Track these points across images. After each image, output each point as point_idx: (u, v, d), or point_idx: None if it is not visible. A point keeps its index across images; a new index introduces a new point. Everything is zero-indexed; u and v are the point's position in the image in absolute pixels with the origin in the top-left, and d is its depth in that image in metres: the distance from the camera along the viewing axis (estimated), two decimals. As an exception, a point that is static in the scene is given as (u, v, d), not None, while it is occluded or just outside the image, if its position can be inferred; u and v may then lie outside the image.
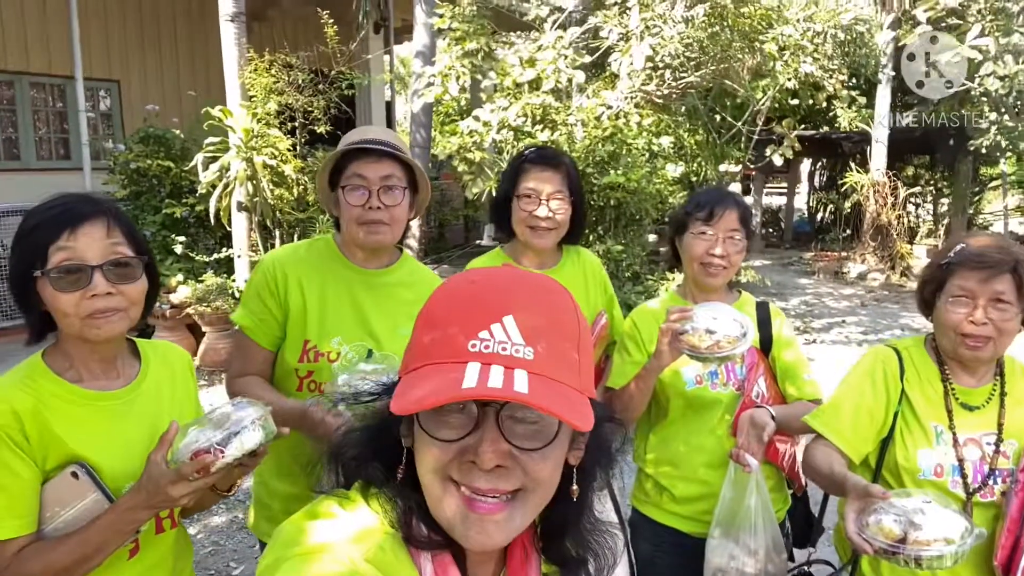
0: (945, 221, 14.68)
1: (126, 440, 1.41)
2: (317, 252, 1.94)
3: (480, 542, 0.77)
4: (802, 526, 2.20)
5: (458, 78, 6.90)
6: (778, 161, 7.34)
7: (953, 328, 1.67)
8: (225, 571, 3.59)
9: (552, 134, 6.57)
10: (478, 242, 9.27)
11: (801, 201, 18.59)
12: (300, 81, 6.77)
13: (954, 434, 1.70)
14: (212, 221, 6.53)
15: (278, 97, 6.63)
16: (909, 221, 13.31)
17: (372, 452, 0.86)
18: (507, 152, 6.70)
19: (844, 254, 13.44)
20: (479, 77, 7.29)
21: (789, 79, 6.96)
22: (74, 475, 1.33)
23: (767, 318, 2.17)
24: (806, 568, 2.15)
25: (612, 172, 6.14)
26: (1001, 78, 10.06)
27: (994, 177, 15.34)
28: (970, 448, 1.70)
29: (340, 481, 0.88)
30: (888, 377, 1.78)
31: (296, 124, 7.03)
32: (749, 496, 1.93)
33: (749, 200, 16.69)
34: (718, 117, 9.56)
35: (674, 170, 7.36)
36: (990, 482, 1.68)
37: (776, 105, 10.09)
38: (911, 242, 13.28)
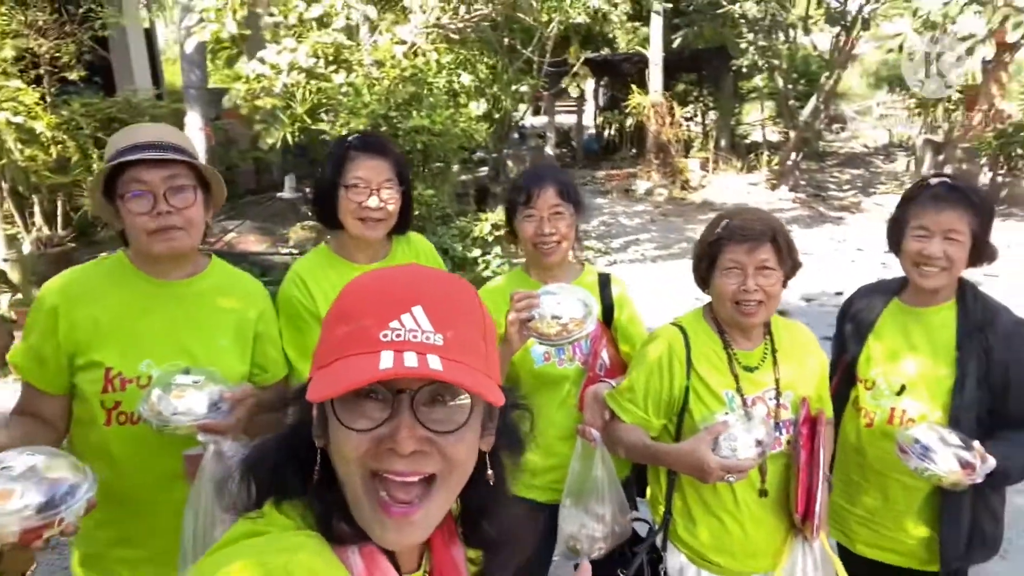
0: (713, 133, 16.16)
1: None
2: (107, 271, 1.73)
3: (398, 542, 0.81)
4: (644, 478, 2.40)
5: (234, 12, 6.26)
6: (574, 93, 7.57)
7: (729, 298, 1.86)
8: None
9: (348, 75, 6.22)
10: (278, 195, 8.64)
11: (588, 119, 19.43)
12: (41, 22, 5.77)
13: (742, 397, 1.91)
14: (-51, 193, 5.53)
15: (13, 41, 5.61)
16: (684, 136, 14.45)
17: (285, 459, 0.87)
18: (300, 96, 6.27)
19: (632, 171, 14.38)
20: (258, 11, 6.66)
21: (579, 15, 7.11)
22: None
23: (608, 289, 2.28)
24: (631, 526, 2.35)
25: (416, 115, 5.98)
26: (757, 2, 11.06)
27: (751, 90, 17.06)
28: (758, 407, 1.91)
29: (252, 500, 0.87)
30: (674, 356, 1.95)
31: (42, 71, 6.03)
32: (595, 468, 2.07)
33: (542, 121, 17.17)
34: (507, 44, 9.59)
35: (477, 107, 7.32)
36: (776, 434, 1.91)
37: (562, 27, 10.33)
38: (687, 156, 14.50)
